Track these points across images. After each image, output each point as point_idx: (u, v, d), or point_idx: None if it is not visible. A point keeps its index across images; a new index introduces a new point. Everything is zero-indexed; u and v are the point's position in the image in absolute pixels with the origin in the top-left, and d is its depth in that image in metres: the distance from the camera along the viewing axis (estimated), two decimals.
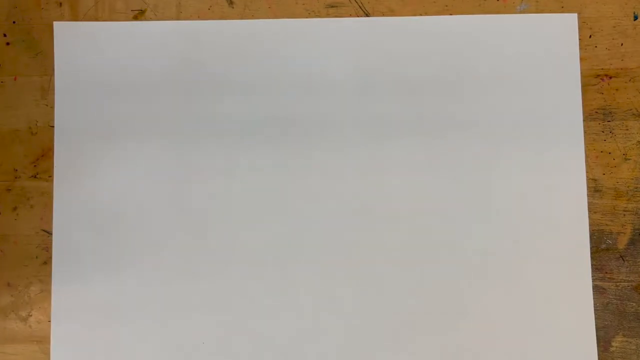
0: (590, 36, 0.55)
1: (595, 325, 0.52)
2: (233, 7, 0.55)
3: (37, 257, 0.54)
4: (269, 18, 0.55)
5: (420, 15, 0.55)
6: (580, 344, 0.52)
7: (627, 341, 0.53)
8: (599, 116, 0.54)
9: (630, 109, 0.54)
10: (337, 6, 0.55)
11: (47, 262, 0.54)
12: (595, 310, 0.53)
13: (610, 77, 0.54)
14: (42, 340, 0.53)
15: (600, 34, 0.55)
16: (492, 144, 0.54)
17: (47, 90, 0.55)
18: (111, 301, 0.53)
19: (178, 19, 0.55)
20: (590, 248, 0.53)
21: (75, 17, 0.55)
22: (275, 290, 0.53)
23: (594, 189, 0.54)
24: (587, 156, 0.54)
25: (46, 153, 0.55)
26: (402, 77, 0.54)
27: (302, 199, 0.53)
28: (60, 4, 0.55)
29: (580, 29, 0.55)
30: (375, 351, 0.52)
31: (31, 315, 0.54)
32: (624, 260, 0.53)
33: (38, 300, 0.54)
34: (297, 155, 0.54)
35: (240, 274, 0.53)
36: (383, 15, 0.55)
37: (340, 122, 0.54)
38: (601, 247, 0.53)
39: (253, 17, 0.55)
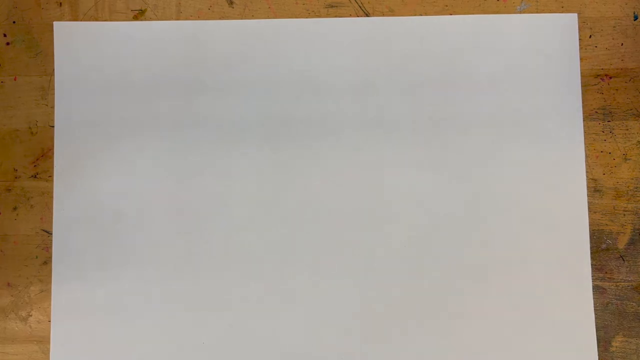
0: (590, 36, 0.55)
1: (595, 325, 0.52)
2: (233, 7, 0.55)
3: (37, 257, 0.54)
4: (269, 18, 0.55)
5: (420, 15, 0.55)
6: (580, 344, 0.52)
7: (627, 341, 0.53)
8: (599, 116, 0.54)
9: (630, 109, 0.54)
10: (337, 6, 0.55)
11: (47, 262, 0.54)
12: (595, 310, 0.53)
13: (610, 77, 0.54)
14: (42, 340, 0.53)
15: (600, 34, 0.55)
16: (492, 143, 0.54)
17: (47, 90, 0.55)
18: (111, 301, 0.53)
19: (178, 19, 0.55)
20: (590, 248, 0.53)
21: (75, 17, 0.55)
22: (275, 289, 0.53)
23: (594, 189, 0.54)
24: (587, 156, 0.54)
25: (46, 153, 0.55)
26: (402, 77, 0.54)
27: (302, 198, 0.53)
28: (60, 4, 0.55)
29: (580, 29, 0.55)
30: (376, 351, 0.52)
31: (31, 315, 0.54)
32: (624, 260, 0.53)
33: (38, 300, 0.54)
34: (297, 154, 0.54)
35: (240, 274, 0.53)
36: (383, 15, 0.55)
37: (340, 122, 0.54)
38: (601, 247, 0.53)
39: (253, 17, 0.55)
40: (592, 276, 0.53)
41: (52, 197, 0.54)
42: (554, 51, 0.54)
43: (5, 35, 0.55)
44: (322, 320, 0.53)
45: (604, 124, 0.54)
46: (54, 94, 0.55)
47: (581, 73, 0.54)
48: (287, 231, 0.53)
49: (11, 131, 0.55)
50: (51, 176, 0.54)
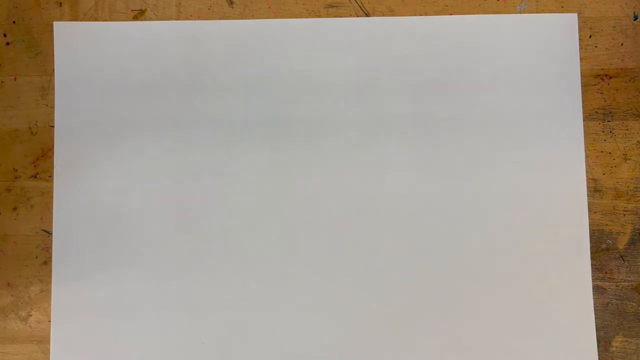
0: (590, 36, 0.55)
1: (595, 325, 0.52)
2: (233, 7, 0.55)
3: (37, 257, 0.54)
4: (269, 18, 0.55)
5: (420, 15, 0.55)
6: (580, 344, 0.52)
7: (627, 341, 0.53)
8: (599, 116, 0.54)
9: (630, 109, 0.54)
10: (337, 6, 0.55)
11: (47, 262, 0.54)
12: (595, 310, 0.53)
13: (610, 77, 0.54)
14: (42, 340, 0.53)
15: (600, 34, 0.55)
16: (492, 143, 0.54)
17: (47, 90, 0.55)
18: (111, 301, 0.53)
19: (178, 19, 0.55)
20: (590, 248, 0.53)
21: (75, 17, 0.55)
22: (275, 289, 0.53)
23: (594, 189, 0.54)
24: (587, 156, 0.54)
25: (46, 153, 0.55)
26: (402, 77, 0.54)
27: (301, 198, 0.53)
28: (60, 4, 0.55)
29: (580, 29, 0.55)
30: (376, 351, 0.52)
31: (31, 315, 0.54)
32: (624, 260, 0.53)
33: (38, 300, 0.54)
34: (297, 155, 0.54)
35: (240, 274, 0.53)
36: (383, 15, 0.55)
37: (340, 122, 0.54)
38: (601, 247, 0.53)
39: (253, 17, 0.55)
40: (592, 276, 0.53)
41: (52, 197, 0.54)
42: (554, 51, 0.54)
43: (5, 35, 0.55)
44: (322, 320, 0.53)
45: (604, 124, 0.54)
46: (54, 94, 0.55)
47: (581, 73, 0.54)
48: (286, 231, 0.53)
49: (11, 131, 0.55)
50: (51, 176, 0.54)
